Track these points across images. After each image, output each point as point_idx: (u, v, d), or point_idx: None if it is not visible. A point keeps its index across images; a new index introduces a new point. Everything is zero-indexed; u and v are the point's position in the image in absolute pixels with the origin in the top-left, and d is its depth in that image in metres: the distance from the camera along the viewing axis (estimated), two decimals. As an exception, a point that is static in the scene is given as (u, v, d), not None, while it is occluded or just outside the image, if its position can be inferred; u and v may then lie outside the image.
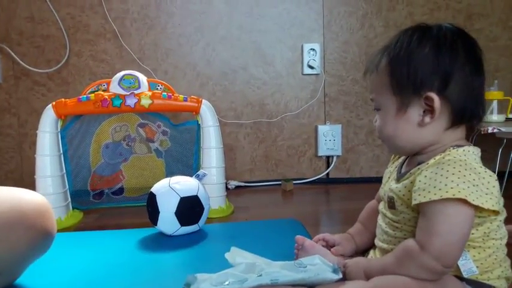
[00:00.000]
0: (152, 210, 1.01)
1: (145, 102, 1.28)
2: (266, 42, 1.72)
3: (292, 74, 1.74)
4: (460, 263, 0.59)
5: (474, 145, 0.67)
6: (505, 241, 0.64)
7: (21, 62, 1.62)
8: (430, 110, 0.62)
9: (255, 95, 1.73)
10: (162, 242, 0.95)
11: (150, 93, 1.31)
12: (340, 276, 0.62)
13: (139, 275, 0.73)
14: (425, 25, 0.66)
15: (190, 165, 1.40)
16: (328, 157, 1.77)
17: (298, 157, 1.76)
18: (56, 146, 1.28)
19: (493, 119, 1.49)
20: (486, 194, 0.58)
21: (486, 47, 1.77)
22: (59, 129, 1.30)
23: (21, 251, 0.65)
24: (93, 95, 1.28)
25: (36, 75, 1.64)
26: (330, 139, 1.73)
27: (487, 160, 0.63)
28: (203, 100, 1.35)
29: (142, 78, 1.33)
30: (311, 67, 1.72)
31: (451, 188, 0.57)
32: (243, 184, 1.66)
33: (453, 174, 0.58)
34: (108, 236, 0.99)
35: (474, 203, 0.56)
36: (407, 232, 0.65)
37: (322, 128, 1.73)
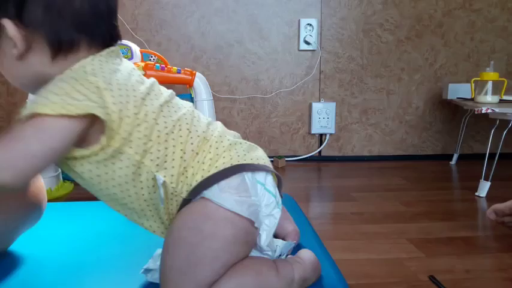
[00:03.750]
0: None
1: (138, 73, 1.26)
2: (262, 16, 1.69)
3: (288, 50, 1.71)
4: None
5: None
6: None
7: (10, 28, 1.57)
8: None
9: (249, 70, 1.71)
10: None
11: (142, 64, 1.28)
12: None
13: (130, 244, 0.73)
14: None
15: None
16: (321, 135, 1.77)
17: (291, 134, 1.75)
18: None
19: (487, 99, 1.48)
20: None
21: (484, 27, 1.77)
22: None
23: (12, 221, 0.65)
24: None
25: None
26: (323, 117, 1.72)
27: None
28: (197, 73, 1.33)
29: (135, 48, 1.30)
30: (307, 43, 1.70)
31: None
32: (235, 159, 1.65)
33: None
34: (99, 207, 0.99)
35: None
36: None
37: (316, 106, 1.72)
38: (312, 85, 1.74)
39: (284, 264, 0.55)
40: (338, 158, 1.77)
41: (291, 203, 1.04)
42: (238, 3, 1.67)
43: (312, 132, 1.74)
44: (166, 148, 0.51)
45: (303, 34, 1.70)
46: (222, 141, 0.53)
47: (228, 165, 0.51)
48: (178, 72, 1.31)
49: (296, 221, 0.91)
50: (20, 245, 0.71)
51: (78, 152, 0.49)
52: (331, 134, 1.75)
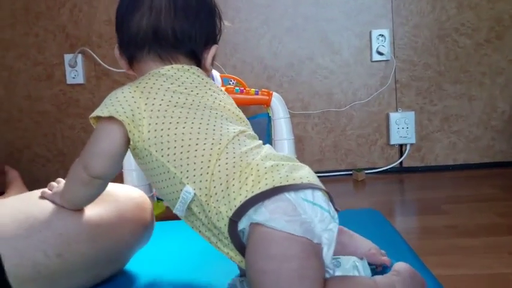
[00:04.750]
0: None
1: (219, 97, 1.33)
2: (332, 31, 1.70)
3: (360, 62, 1.71)
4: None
5: None
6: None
7: (102, 62, 1.73)
8: None
9: (322, 84, 1.72)
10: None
11: (223, 88, 1.35)
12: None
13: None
14: None
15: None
16: (401, 145, 1.72)
17: (369, 146, 1.73)
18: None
19: None
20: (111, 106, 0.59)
21: None
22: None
23: (126, 242, 0.72)
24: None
25: (116, 75, 1.75)
26: (402, 127, 1.68)
27: None
28: (273, 93, 1.37)
29: (216, 74, 1.37)
30: (380, 53, 1.68)
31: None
32: (313, 174, 1.66)
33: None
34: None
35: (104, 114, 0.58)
36: None
37: (394, 116, 1.69)
38: (387, 95, 1.71)
39: (382, 280, 0.55)
40: (421, 168, 1.71)
41: (378, 218, 1.03)
42: (307, 20, 1.70)
43: (391, 143, 1.71)
44: (202, 162, 0.55)
45: (375, 45, 1.68)
46: (264, 163, 0.54)
47: (270, 186, 0.51)
48: (256, 93, 1.35)
49: (386, 236, 0.90)
50: (134, 264, 0.78)
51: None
52: (411, 144, 1.71)
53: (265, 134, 1.43)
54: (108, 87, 1.77)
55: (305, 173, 0.55)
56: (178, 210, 0.57)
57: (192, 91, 0.62)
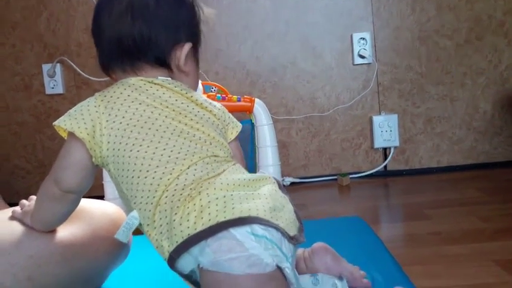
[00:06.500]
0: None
1: (200, 105, 1.31)
2: (314, 35, 1.70)
3: (343, 65, 1.70)
4: None
5: None
6: None
7: (81, 72, 1.70)
8: None
9: (305, 89, 1.71)
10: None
11: (205, 96, 1.33)
12: None
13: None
14: None
15: (246, 166, 1.41)
16: (385, 149, 1.72)
17: (353, 150, 1.73)
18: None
19: None
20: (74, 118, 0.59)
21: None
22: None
23: (101, 261, 0.69)
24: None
25: (96, 84, 1.72)
26: (386, 130, 1.68)
27: None
28: (256, 99, 1.36)
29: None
30: (362, 56, 1.68)
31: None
32: (298, 180, 1.65)
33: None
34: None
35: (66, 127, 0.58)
36: None
37: (377, 119, 1.69)
38: (370, 98, 1.71)
39: None
40: (405, 171, 1.72)
41: (361, 226, 1.02)
42: (288, 25, 1.69)
43: (375, 146, 1.70)
44: (149, 191, 0.53)
45: (356, 48, 1.68)
46: (215, 194, 0.50)
47: (213, 222, 0.48)
48: (239, 100, 1.34)
49: (369, 246, 0.89)
50: (111, 282, 0.76)
51: None
52: (395, 147, 1.71)
53: (249, 141, 1.42)
54: (88, 97, 1.73)
55: (257, 204, 0.50)
56: (120, 235, 0.54)
57: (158, 107, 0.58)
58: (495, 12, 1.67)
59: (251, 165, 1.40)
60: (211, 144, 0.59)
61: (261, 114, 1.35)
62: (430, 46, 1.68)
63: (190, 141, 0.57)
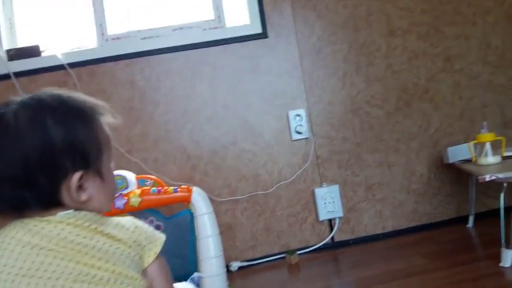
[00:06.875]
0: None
1: (135, 200, 1.28)
2: (252, 116, 1.74)
3: (282, 142, 1.74)
4: None
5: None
6: None
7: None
8: None
9: (247, 168, 1.73)
10: None
11: (139, 191, 1.31)
12: None
13: None
14: None
15: (187, 258, 1.37)
16: (330, 220, 1.73)
17: (300, 224, 1.72)
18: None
19: (489, 161, 1.46)
20: None
21: (470, 85, 1.79)
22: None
23: None
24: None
25: None
26: (329, 201, 1.70)
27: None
28: (193, 188, 1.34)
29: (131, 177, 1.34)
30: (299, 132, 1.73)
31: None
32: (245, 264, 1.61)
33: None
34: None
35: None
36: None
37: (319, 191, 1.71)
38: (311, 171, 1.74)
39: None
40: (352, 240, 1.72)
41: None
42: (227, 108, 1.73)
43: (320, 219, 1.71)
44: None
45: (293, 125, 1.73)
46: None
47: None
48: (175, 191, 1.32)
49: None
50: None
51: None
52: (340, 217, 1.72)
53: (189, 232, 1.39)
54: None
55: None
56: None
57: (53, 248, 0.55)
58: (419, 80, 1.79)
59: (192, 259, 1.35)
60: (115, 282, 0.56)
61: (200, 203, 1.33)
62: (363, 116, 1.76)
63: (89, 284, 0.54)
